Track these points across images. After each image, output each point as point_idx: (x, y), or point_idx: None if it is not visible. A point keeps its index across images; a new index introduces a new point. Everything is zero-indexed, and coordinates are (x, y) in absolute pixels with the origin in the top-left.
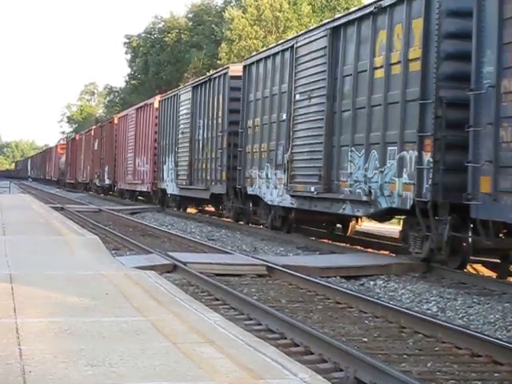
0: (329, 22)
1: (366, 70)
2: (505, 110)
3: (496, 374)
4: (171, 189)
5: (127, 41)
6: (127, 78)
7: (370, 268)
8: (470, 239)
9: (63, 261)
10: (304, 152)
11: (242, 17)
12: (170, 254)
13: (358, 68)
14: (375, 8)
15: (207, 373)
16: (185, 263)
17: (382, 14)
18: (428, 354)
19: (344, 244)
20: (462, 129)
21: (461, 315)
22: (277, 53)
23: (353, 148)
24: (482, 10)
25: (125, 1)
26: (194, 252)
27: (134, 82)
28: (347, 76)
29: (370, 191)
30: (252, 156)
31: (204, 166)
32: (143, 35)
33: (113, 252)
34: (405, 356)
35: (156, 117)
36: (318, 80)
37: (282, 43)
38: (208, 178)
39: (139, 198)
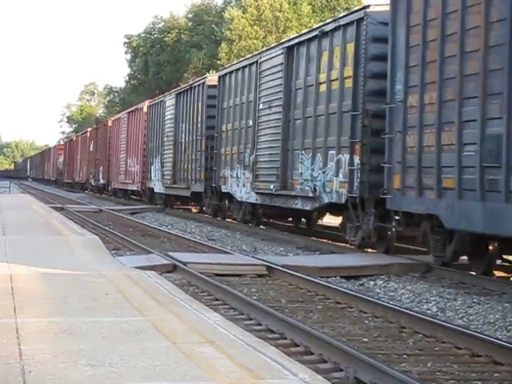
0: (285, 42)
1: (313, 85)
2: (410, 120)
3: (496, 374)
4: (158, 188)
5: (127, 41)
6: (127, 78)
7: (370, 268)
8: (393, 228)
9: (63, 261)
10: (265, 154)
11: (242, 17)
12: (170, 253)
13: (307, 82)
14: (319, 32)
15: (207, 373)
16: (185, 263)
17: (325, 38)
18: (428, 354)
19: (344, 244)
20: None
21: (461, 315)
22: (245, 66)
23: (303, 151)
24: (394, 38)
25: (125, 1)
26: (193, 252)
27: (134, 82)
28: (299, 89)
29: (315, 188)
30: (225, 158)
31: (186, 167)
32: (143, 35)
33: (113, 252)
34: (405, 356)
35: (145, 120)
36: (277, 92)
37: (250, 58)
38: (189, 177)
39: (132, 196)
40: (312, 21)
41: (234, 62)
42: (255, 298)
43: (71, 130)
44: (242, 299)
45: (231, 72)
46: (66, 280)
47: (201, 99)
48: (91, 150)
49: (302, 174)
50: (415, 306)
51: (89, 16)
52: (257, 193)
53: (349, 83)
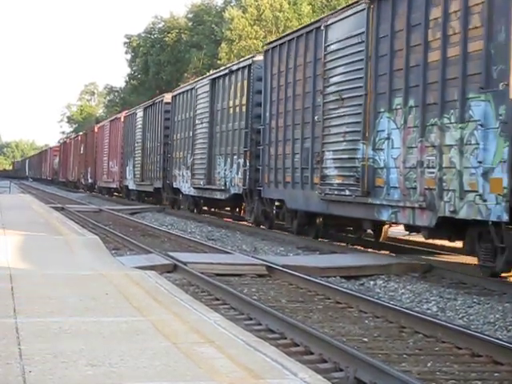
0: (211, 75)
1: (225, 108)
2: (271, 137)
3: (496, 374)
4: (131, 185)
5: (127, 41)
6: (127, 78)
7: (370, 268)
8: (274, 211)
9: (63, 261)
10: (198, 158)
11: (242, 17)
12: (170, 253)
13: (223, 106)
14: (229, 70)
15: (207, 373)
16: (185, 263)
17: (232, 75)
18: (428, 354)
19: (344, 244)
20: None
21: (461, 315)
22: (188, 90)
23: (220, 156)
24: (265, 81)
25: (125, 1)
26: (194, 252)
27: (134, 82)
28: (218, 110)
29: (225, 183)
30: (175, 160)
31: (150, 168)
32: (143, 35)
33: (113, 252)
34: (405, 356)
35: (122, 128)
36: (206, 111)
37: (192, 83)
38: (152, 176)
39: (114, 194)
40: (312, 21)
41: (182, 86)
42: (255, 297)
43: (71, 129)
44: (242, 299)
45: (180, 93)
46: (66, 280)
47: (160, 113)
48: (81, 152)
49: (219, 172)
50: (415, 305)
51: (89, 16)
52: (194, 187)
53: (244, 109)
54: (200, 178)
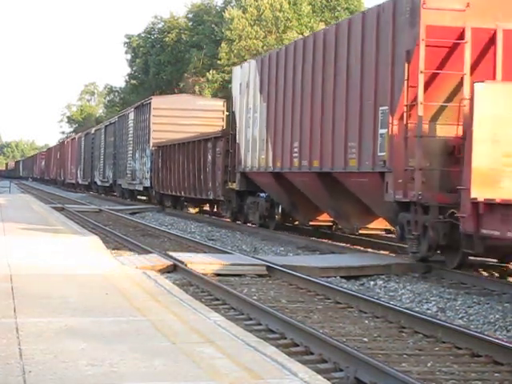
0: (108, 121)
1: (110, 141)
2: (120, 157)
3: (496, 374)
4: (80, 181)
5: (127, 41)
6: (127, 77)
7: (370, 268)
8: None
9: (63, 261)
10: (101, 165)
11: (242, 17)
12: (170, 253)
13: (109, 140)
14: (109, 122)
15: (207, 373)
16: (185, 263)
17: (113, 124)
18: (428, 354)
19: (344, 244)
20: (119, 158)
21: (461, 315)
22: (99, 128)
23: (107, 165)
24: (119, 130)
25: (125, 1)
26: (194, 252)
27: (134, 81)
28: (108, 142)
29: (108, 178)
30: (95, 166)
31: (86, 170)
32: (143, 35)
33: (113, 252)
34: (405, 356)
35: (76, 145)
36: (103, 142)
37: (101, 125)
38: (87, 175)
39: (77, 189)
40: (312, 21)
41: (97, 126)
42: (255, 298)
43: (71, 130)
44: (242, 299)
45: (97, 130)
46: (66, 280)
47: (89, 139)
48: (58, 157)
49: (107, 173)
50: (415, 306)
51: (89, 16)
52: (100, 181)
53: (114, 143)
54: (102, 175)
